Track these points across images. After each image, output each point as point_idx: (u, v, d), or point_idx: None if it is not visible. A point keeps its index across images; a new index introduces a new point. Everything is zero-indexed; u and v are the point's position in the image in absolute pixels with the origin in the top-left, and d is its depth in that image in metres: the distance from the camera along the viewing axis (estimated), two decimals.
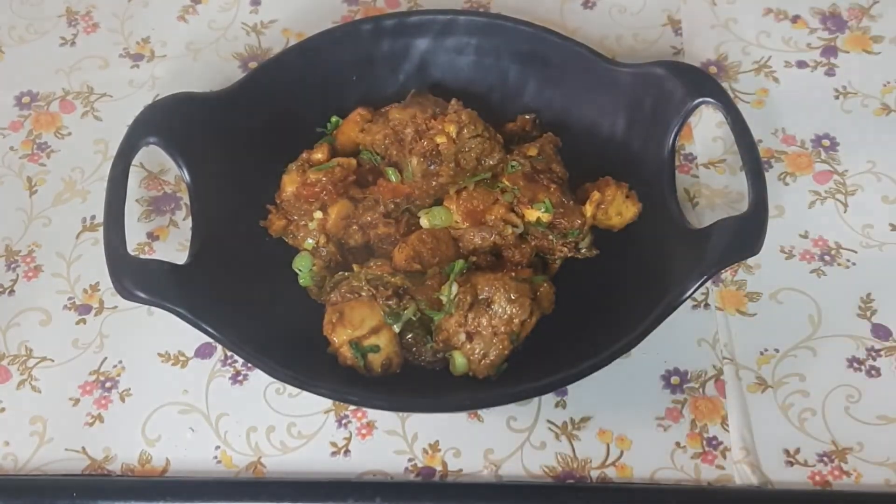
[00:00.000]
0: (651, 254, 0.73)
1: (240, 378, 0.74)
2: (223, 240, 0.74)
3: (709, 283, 0.73)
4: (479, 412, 0.72)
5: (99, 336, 0.77)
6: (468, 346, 0.69)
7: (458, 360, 0.69)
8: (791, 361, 0.73)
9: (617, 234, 0.76)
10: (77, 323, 0.77)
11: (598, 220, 0.75)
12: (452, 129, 0.74)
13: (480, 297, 0.69)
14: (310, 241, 0.75)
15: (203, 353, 0.75)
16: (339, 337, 0.69)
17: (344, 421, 0.72)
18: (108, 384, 0.74)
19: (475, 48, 0.82)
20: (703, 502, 0.68)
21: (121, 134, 0.75)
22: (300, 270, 0.75)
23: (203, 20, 0.95)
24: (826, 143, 0.83)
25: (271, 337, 0.69)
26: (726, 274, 0.77)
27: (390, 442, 0.71)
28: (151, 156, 0.84)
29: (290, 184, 0.76)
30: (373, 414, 0.72)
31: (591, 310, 0.72)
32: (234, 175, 0.78)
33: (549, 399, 0.72)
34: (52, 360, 0.76)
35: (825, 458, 0.69)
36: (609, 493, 0.68)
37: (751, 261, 0.77)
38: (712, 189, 0.81)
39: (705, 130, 0.84)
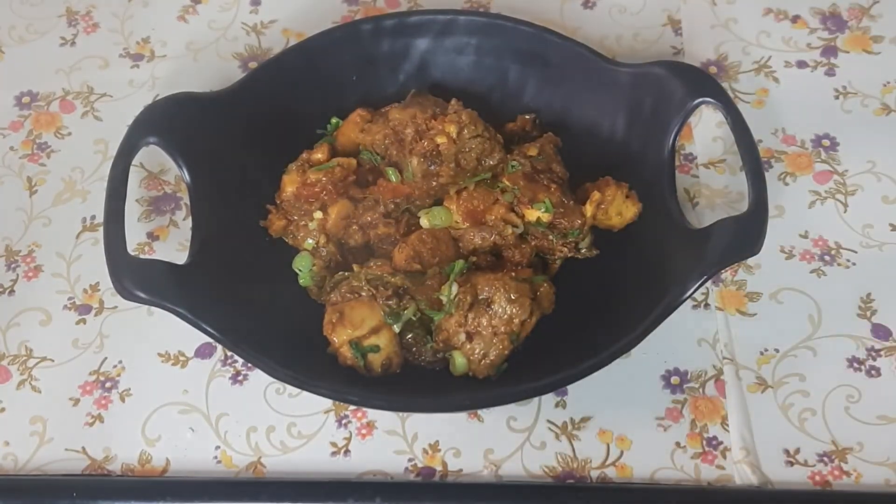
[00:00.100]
0: (651, 254, 0.73)
1: (240, 378, 0.74)
2: (223, 240, 0.74)
3: (709, 283, 0.73)
4: (479, 412, 0.72)
5: (99, 336, 0.77)
6: (468, 346, 0.69)
7: (458, 360, 0.69)
8: (791, 361, 0.73)
9: (617, 234, 0.76)
10: (77, 323, 0.77)
11: (598, 220, 0.75)
12: (453, 130, 0.74)
13: (480, 297, 0.69)
14: (310, 241, 0.75)
15: (203, 353, 0.75)
16: (339, 337, 0.69)
17: (344, 421, 0.72)
18: (108, 384, 0.74)
19: (475, 48, 0.82)
20: (703, 502, 0.68)
21: (121, 134, 0.75)
22: (300, 270, 0.75)
23: (203, 20, 0.95)
24: (826, 143, 0.83)
25: (271, 337, 0.69)
26: (726, 274, 0.77)
27: (390, 442, 0.71)
28: (151, 156, 0.84)
29: (290, 184, 0.76)
30: (373, 414, 0.72)
31: (591, 310, 0.72)
32: (234, 175, 0.78)
33: (549, 399, 0.72)
34: (52, 360, 0.76)
35: (825, 458, 0.69)
36: (609, 493, 0.69)
37: (751, 261, 0.77)
38: (712, 189, 0.81)
39: (705, 130, 0.84)
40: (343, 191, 0.76)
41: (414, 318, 0.70)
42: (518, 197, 0.73)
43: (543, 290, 0.71)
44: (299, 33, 0.92)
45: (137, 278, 0.68)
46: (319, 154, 0.77)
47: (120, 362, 0.75)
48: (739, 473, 0.68)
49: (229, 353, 0.75)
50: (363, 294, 0.70)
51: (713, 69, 0.88)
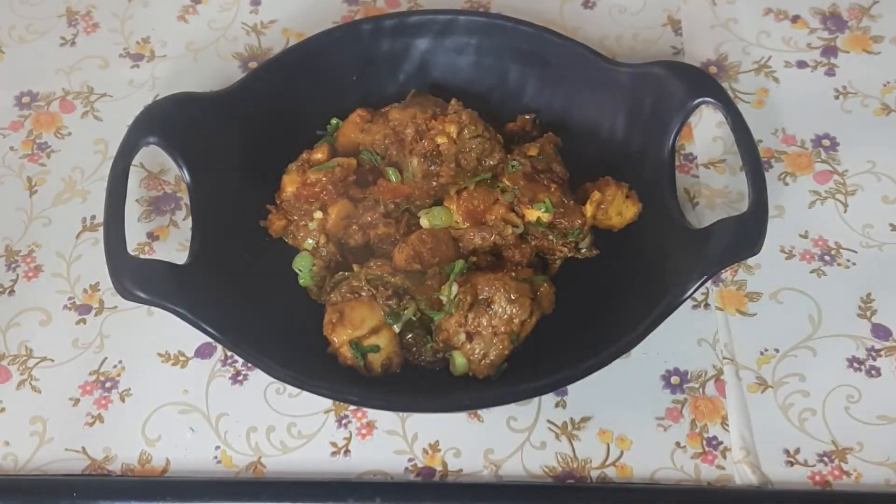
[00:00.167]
0: (651, 254, 0.73)
1: (240, 378, 0.74)
2: (223, 240, 0.74)
3: (709, 283, 0.73)
4: (479, 412, 0.72)
5: (99, 336, 0.77)
6: (468, 346, 0.69)
7: (458, 360, 0.69)
8: (791, 361, 0.73)
9: (617, 234, 0.76)
10: (77, 323, 0.77)
11: (598, 220, 0.75)
12: (453, 130, 0.74)
13: (480, 297, 0.69)
14: (310, 241, 0.75)
15: (203, 353, 0.75)
16: (339, 337, 0.69)
17: (344, 421, 0.72)
18: (108, 384, 0.74)
19: (475, 48, 0.82)
20: (703, 502, 0.68)
21: (121, 134, 0.75)
22: (300, 270, 0.75)
23: (203, 20, 0.95)
24: (826, 143, 0.83)
25: (271, 337, 0.69)
26: (726, 274, 0.77)
27: (390, 442, 0.71)
28: (151, 156, 0.84)
29: (290, 184, 0.76)
30: (373, 414, 0.72)
31: (591, 310, 0.72)
32: (233, 175, 0.78)
33: (549, 399, 0.72)
34: (52, 360, 0.76)
35: (825, 458, 0.69)
36: (609, 493, 0.68)
37: (751, 261, 0.77)
38: (712, 189, 0.81)
39: (705, 130, 0.84)
40: (343, 191, 0.76)
41: (414, 318, 0.70)
42: (518, 197, 0.73)
43: (543, 290, 0.71)
44: (299, 33, 0.92)
45: (137, 278, 0.68)
46: (319, 154, 0.77)
47: (120, 362, 0.75)
48: (739, 473, 0.68)
49: (229, 353, 0.75)
50: (363, 294, 0.71)
51: (713, 69, 0.88)
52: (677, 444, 0.70)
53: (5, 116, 0.89)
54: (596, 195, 0.74)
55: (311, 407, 0.72)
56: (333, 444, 0.71)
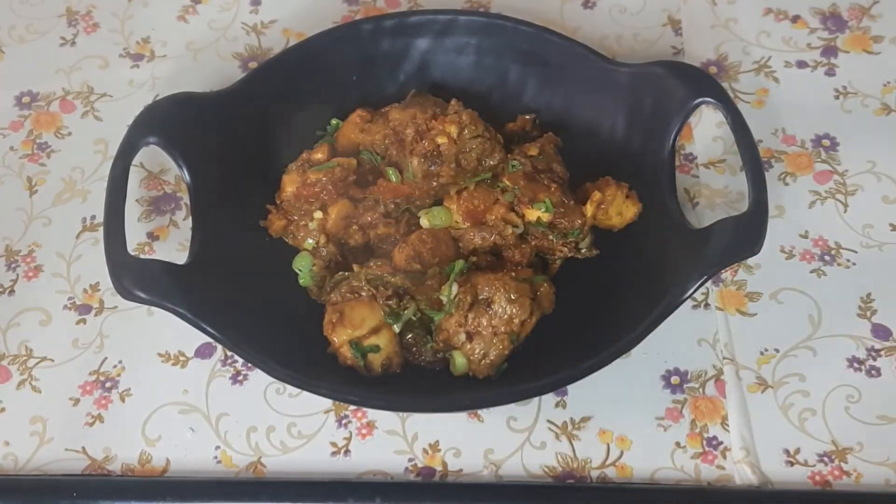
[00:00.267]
0: (651, 254, 0.73)
1: (240, 378, 0.74)
2: (223, 240, 0.74)
3: (709, 283, 0.73)
4: (479, 412, 0.72)
5: (99, 336, 0.77)
6: (468, 346, 0.69)
7: (458, 360, 0.69)
8: (791, 361, 0.73)
9: (617, 234, 0.76)
10: (77, 323, 0.77)
11: (598, 220, 0.75)
12: (454, 130, 0.74)
13: (480, 297, 0.69)
14: (310, 241, 0.75)
15: (203, 353, 0.75)
16: (339, 337, 0.69)
17: (344, 421, 0.72)
18: (108, 384, 0.74)
19: (475, 48, 0.82)
20: (703, 502, 0.68)
21: (121, 134, 0.75)
22: (300, 270, 0.75)
23: (203, 20, 0.95)
24: (826, 143, 0.83)
25: (271, 337, 0.69)
26: (726, 274, 0.77)
27: (390, 442, 0.71)
28: (151, 156, 0.84)
29: (290, 184, 0.76)
30: (373, 414, 0.72)
31: (591, 310, 0.72)
32: (234, 175, 0.78)
33: (549, 399, 0.72)
34: (52, 360, 0.76)
35: (825, 458, 0.69)
36: (609, 493, 0.68)
37: (751, 261, 0.77)
38: (712, 189, 0.81)
39: (705, 130, 0.84)
40: (343, 191, 0.76)
41: (414, 318, 0.70)
42: (518, 197, 0.73)
43: (543, 290, 0.71)
44: (299, 33, 0.92)
45: (137, 278, 0.68)
46: (319, 154, 0.77)
47: (120, 362, 0.75)
48: (739, 473, 0.68)
49: (229, 353, 0.75)
50: (363, 294, 0.71)
51: (713, 69, 0.88)
52: (677, 444, 0.70)
53: (5, 116, 0.89)
54: (596, 195, 0.74)
55: (311, 407, 0.72)
56: (333, 444, 0.71)
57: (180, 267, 0.70)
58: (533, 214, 0.73)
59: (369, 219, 0.75)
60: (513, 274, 0.71)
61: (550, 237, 0.73)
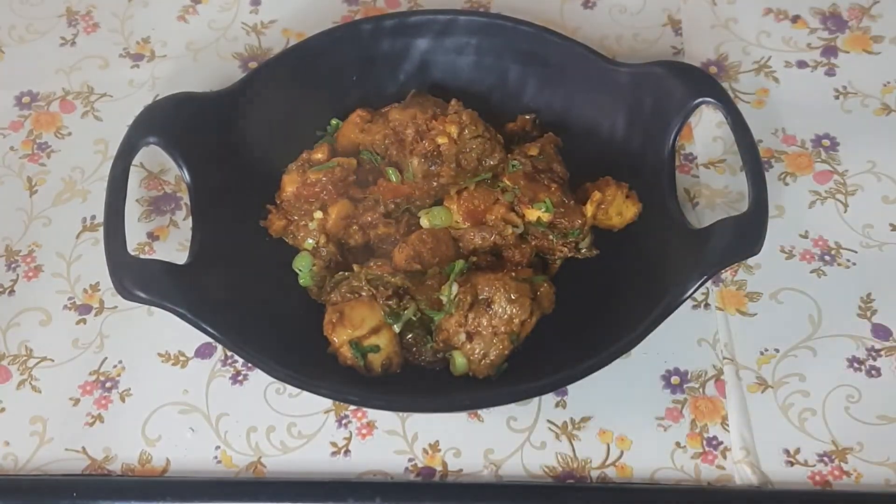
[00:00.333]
0: (651, 254, 0.73)
1: (240, 378, 0.74)
2: (223, 240, 0.74)
3: (709, 283, 0.73)
4: (479, 412, 0.72)
5: (99, 336, 0.77)
6: (468, 346, 0.69)
7: (458, 360, 0.69)
8: (791, 361, 0.73)
9: (617, 234, 0.76)
10: (77, 323, 0.77)
11: (598, 220, 0.75)
12: (454, 130, 0.74)
13: (480, 297, 0.69)
14: (310, 241, 0.75)
15: (203, 353, 0.75)
16: (339, 337, 0.69)
17: (344, 421, 0.72)
18: (108, 384, 0.74)
19: (475, 48, 0.82)
20: (703, 502, 0.68)
21: (121, 134, 0.75)
22: (300, 270, 0.75)
23: (203, 20, 0.95)
24: (826, 143, 0.83)
25: (271, 337, 0.69)
26: (726, 274, 0.77)
27: (390, 442, 0.71)
28: (151, 156, 0.84)
29: (290, 184, 0.76)
30: (373, 414, 0.72)
31: (591, 310, 0.72)
32: (234, 175, 0.77)
33: (549, 399, 0.72)
34: (52, 360, 0.76)
35: (825, 458, 0.69)
36: (609, 493, 0.69)
37: (751, 261, 0.77)
38: (712, 189, 0.81)
39: (705, 130, 0.84)
40: (343, 191, 0.76)
41: (414, 318, 0.70)
42: (518, 197, 0.73)
43: (543, 290, 0.71)
44: (299, 33, 0.92)
45: (137, 278, 0.68)
46: (319, 154, 0.77)
47: (120, 362, 0.75)
48: (739, 473, 0.68)
49: (229, 353, 0.75)
50: (363, 294, 0.71)
51: (713, 69, 0.88)
52: (677, 444, 0.70)
53: (5, 116, 0.89)
54: (596, 195, 0.74)
55: (311, 407, 0.72)
56: (333, 444, 0.71)
57: (180, 267, 0.70)
58: (533, 214, 0.73)
59: (369, 219, 0.75)
60: (513, 274, 0.71)
61: (550, 237, 0.73)
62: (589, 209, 0.74)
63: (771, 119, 0.85)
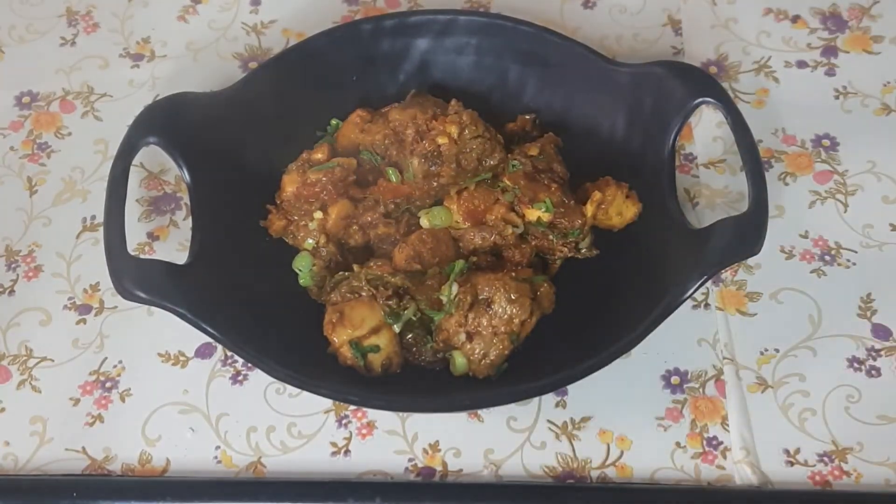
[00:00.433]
0: (651, 254, 0.73)
1: (240, 378, 0.74)
2: (223, 240, 0.74)
3: (709, 283, 0.73)
4: (479, 412, 0.72)
5: (99, 336, 0.77)
6: (468, 346, 0.69)
7: (458, 360, 0.69)
8: (791, 361, 0.73)
9: (617, 234, 0.76)
10: (77, 323, 0.77)
11: (598, 220, 0.75)
12: (454, 130, 0.74)
13: (480, 297, 0.69)
14: (310, 241, 0.75)
15: (203, 353, 0.75)
16: (339, 337, 0.69)
17: (344, 421, 0.72)
18: (108, 384, 0.74)
19: (475, 48, 0.82)
20: (703, 502, 0.68)
21: (121, 134, 0.75)
22: (300, 270, 0.75)
23: (203, 20, 0.95)
24: (826, 143, 0.83)
25: (271, 337, 0.69)
26: (726, 274, 0.77)
27: (390, 442, 0.71)
28: (151, 156, 0.84)
29: (290, 184, 0.76)
30: (373, 414, 0.72)
31: (591, 310, 0.72)
32: (234, 175, 0.77)
33: (549, 399, 0.72)
34: (52, 360, 0.76)
35: (825, 458, 0.69)
36: (609, 493, 0.69)
37: (751, 261, 0.77)
38: (712, 189, 0.81)
39: (705, 130, 0.84)
40: (343, 191, 0.76)
41: (414, 318, 0.70)
42: (518, 197, 0.73)
43: (543, 290, 0.71)
44: (299, 33, 0.92)
45: (137, 278, 0.68)
46: (319, 154, 0.77)
47: (120, 362, 0.75)
48: (739, 473, 0.68)
49: (229, 353, 0.75)
50: (363, 294, 0.70)
51: (713, 69, 0.88)
52: (677, 444, 0.70)
53: (5, 116, 0.89)
54: (596, 195, 0.74)
55: (311, 407, 0.72)
56: (333, 444, 0.71)
57: (180, 267, 0.70)
58: (533, 214, 0.73)
59: (369, 219, 0.75)
60: (513, 274, 0.71)
61: (550, 237, 0.73)
62: (589, 209, 0.74)
63: (771, 119, 0.85)
